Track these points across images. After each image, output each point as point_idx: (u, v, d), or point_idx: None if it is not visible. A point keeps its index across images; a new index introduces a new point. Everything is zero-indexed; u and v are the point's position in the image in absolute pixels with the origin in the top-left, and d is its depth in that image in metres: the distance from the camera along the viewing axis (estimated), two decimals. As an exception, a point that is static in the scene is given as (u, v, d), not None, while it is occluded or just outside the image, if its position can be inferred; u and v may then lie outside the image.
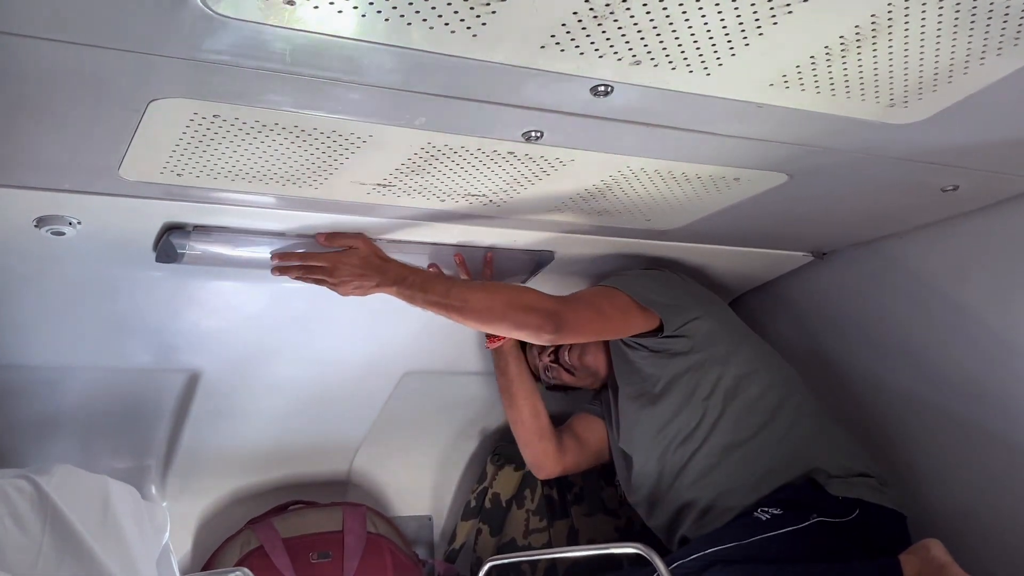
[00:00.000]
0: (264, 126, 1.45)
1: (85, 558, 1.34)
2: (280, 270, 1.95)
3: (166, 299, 2.10)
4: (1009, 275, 2.08)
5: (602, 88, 1.36)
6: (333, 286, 1.95)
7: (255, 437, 2.60)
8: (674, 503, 2.17)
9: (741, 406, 2.14)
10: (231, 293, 2.12)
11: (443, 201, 1.83)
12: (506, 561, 2.28)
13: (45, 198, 1.65)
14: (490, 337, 2.40)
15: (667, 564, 1.73)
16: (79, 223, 1.73)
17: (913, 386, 2.31)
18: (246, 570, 1.52)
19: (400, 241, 2.03)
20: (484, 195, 1.81)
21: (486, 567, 2.24)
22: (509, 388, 2.45)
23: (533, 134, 1.53)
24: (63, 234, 1.75)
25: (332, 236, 1.93)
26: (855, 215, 2.11)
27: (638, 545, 1.79)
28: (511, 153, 1.62)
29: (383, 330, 2.42)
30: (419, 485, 2.91)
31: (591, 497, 2.71)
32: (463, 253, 2.13)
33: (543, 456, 2.44)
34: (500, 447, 2.78)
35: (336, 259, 1.92)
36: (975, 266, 2.14)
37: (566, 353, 2.39)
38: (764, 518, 1.91)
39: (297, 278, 1.96)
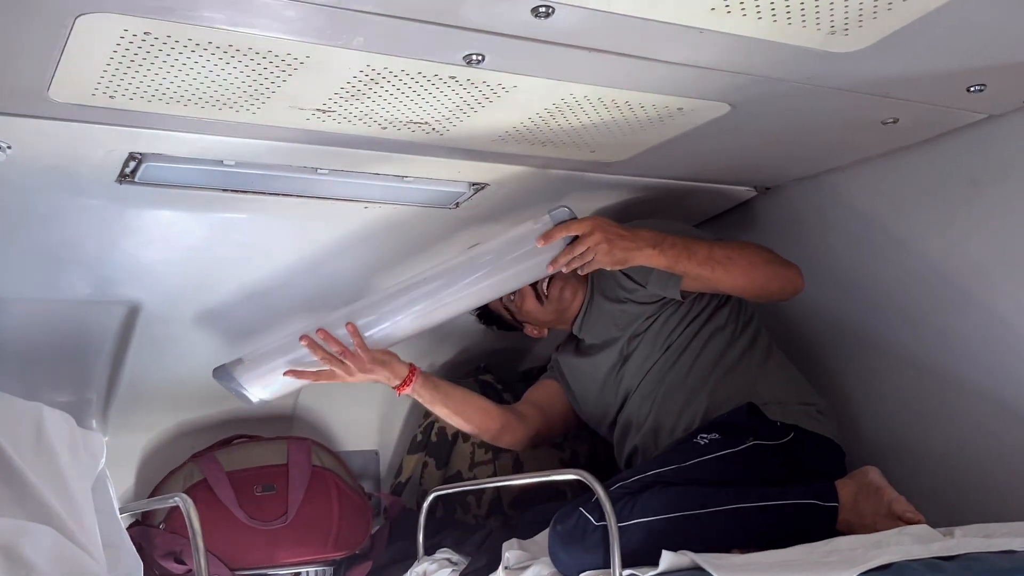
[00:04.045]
0: (198, 45, 1.41)
1: (16, 482, 1.32)
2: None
3: (104, 229, 2.06)
4: (947, 208, 2.11)
5: (543, 8, 1.34)
6: (600, 249, 1.93)
7: (197, 371, 2.56)
8: (623, 422, 2.25)
9: (698, 339, 2.19)
10: (170, 223, 2.09)
11: (384, 129, 1.80)
12: (451, 491, 2.30)
13: (-28, 120, 1.61)
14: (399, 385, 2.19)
15: (610, 485, 1.75)
16: (9, 147, 1.69)
17: (853, 318, 2.35)
18: (184, 495, 1.51)
19: (343, 171, 2.00)
20: (426, 122, 1.78)
21: (431, 497, 2.27)
22: (445, 411, 2.27)
23: (474, 57, 1.51)
24: (-8, 159, 1.70)
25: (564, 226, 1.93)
26: (797, 148, 2.13)
27: (579, 472, 1.81)
28: (453, 78, 1.60)
29: (326, 266, 2.39)
30: (365, 420, 2.92)
31: (536, 430, 2.73)
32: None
33: (501, 432, 2.31)
34: (446, 382, 2.78)
35: (592, 224, 1.93)
36: (914, 200, 2.17)
37: (545, 283, 2.29)
38: (703, 443, 1.95)
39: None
